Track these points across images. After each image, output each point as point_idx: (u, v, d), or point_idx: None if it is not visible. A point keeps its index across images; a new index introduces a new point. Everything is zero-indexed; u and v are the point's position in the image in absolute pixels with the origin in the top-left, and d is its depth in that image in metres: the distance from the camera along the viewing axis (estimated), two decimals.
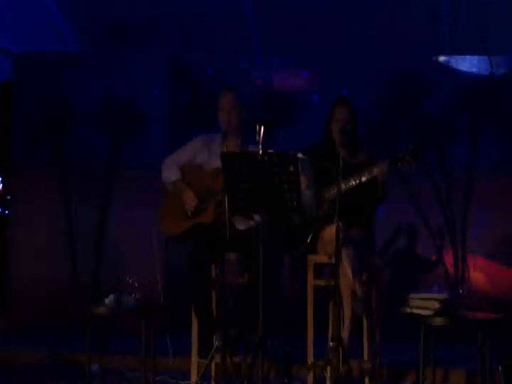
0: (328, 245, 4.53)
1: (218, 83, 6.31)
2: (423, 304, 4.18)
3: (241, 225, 4.78)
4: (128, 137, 6.86)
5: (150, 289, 4.69)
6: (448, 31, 6.39)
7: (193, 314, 4.79)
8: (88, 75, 6.84)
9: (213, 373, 4.80)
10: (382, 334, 4.64)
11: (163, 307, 4.67)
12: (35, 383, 5.10)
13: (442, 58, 6.62)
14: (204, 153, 4.95)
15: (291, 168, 3.99)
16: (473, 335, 4.21)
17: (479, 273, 6.49)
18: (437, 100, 6.55)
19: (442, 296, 4.16)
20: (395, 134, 6.49)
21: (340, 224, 4.23)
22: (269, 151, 4.06)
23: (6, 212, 7.49)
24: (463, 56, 6.58)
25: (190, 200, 4.84)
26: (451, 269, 6.52)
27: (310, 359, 4.65)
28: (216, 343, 4.51)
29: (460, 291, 4.37)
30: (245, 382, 4.18)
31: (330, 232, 4.45)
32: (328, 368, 4.24)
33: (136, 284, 4.49)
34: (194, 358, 4.81)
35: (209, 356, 4.56)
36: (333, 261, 4.28)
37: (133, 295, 4.48)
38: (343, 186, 4.49)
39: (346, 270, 4.46)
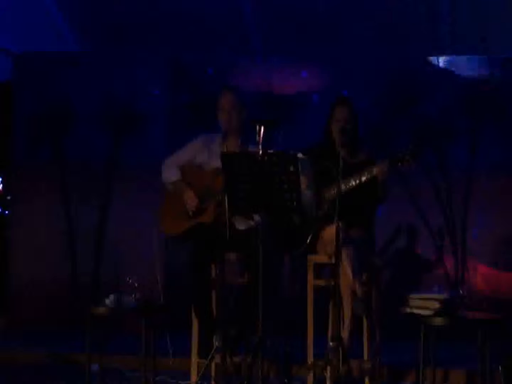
0: (328, 245, 4.53)
1: (218, 83, 6.31)
2: (423, 304, 4.18)
3: (241, 225, 4.78)
4: (128, 137, 6.87)
5: (150, 289, 4.69)
6: (448, 31, 6.38)
7: (193, 314, 4.79)
8: (88, 75, 6.84)
9: (213, 373, 4.81)
10: (382, 334, 4.64)
11: (163, 307, 4.67)
12: (35, 383, 5.10)
13: (442, 58, 6.63)
14: (204, 153, 4.95)
15: (291, 168, 3.99)
16: (473, 335, 4.21)
17: (479, 279, 6.49)
18: (437, 100, 6.56)
19: (442, 296, 4.17)
20: (395, 134, 6.49)
21: (340, 224, 4.23)
22: (269, 151, 4.06)
23: (6, 212, 7.50)
24: (463, 56, 6.59)
25: (190, 200, 4.84)
26: (451, 269, 6.53)
27: (310, 359, 4.65)
28: (216, 343, 4.51)
29: (460, 291, 4.37)
30: (245, 382, 4.18)
31: (330, 232, 4.45)
32: (328, 368, 4.24)
33: (136, 284, 4.49)
34: (194, 358, 4.81)
35: (209, 356, 4.57)
36: (333, 261, 4.28)
37: (133, 295, 4.47)
38: (343, 186, 4.49)
39: (346, 270, 4.46)
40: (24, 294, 6.83)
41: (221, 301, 4.67)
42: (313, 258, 4.72)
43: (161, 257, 5.73)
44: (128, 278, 4.52)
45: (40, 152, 6.97)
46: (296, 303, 4.69)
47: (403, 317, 4.27)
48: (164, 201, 5.02)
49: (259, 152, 4.06)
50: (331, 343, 4.19)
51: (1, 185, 7.74)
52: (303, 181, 4.14)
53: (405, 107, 6.56)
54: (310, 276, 4.72)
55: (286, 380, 4.43)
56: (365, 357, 4.66)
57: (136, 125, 6.83)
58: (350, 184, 4.63)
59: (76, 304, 6.41)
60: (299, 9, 6.31)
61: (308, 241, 4.46)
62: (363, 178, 4.62)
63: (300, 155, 4.11)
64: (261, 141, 4.13)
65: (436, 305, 4.14)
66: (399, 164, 4.53)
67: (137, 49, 6.76)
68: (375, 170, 4.60)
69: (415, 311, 4.21)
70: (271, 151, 4.06)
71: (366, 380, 4.63)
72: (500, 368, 4.35)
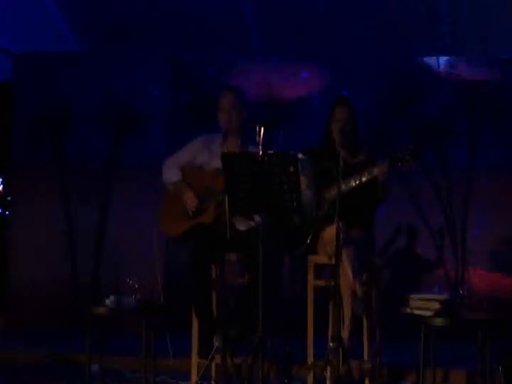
0: (328, 246, 4.53)
1: (218, 83, 6.32)
2: (424, 304, 4.18)
3: (241, 226, 4.78)
4: (128, 137, 6.87)
5: (151, 290, 4.69)
6: (448, 31, 6.38)
7: (193, 315, 4.79)
8: (88, 75, 6.84)
9: (213, 374, 4.81)
10: (382, 334, 4.64)
11: (163, 308, 4.66)
12: (35, 383, 5.10)
13: (442, 58, 6.63)
14: (205, 154, 4.95)
15: (291, 169, 3.99)
16: (473, 335, 4.21)
17: (479, 279, 6.50)
18: (437, 100, 6.55)
19: (442, 296, 4.17)
20: (395, 134, 6.49)
21: (340, 224, 4.23)
22: (269, 151, 4.06)
23: (7, 213, 7.49)
24: (463, 56, 6.59)
25: (190, 200, 4.84)
26: (451, 269, 6.52)
27: (310, 359, 4.65)
28: (216, 343, 4.51)
29: (460, 291, 4.38)
30: (245, 383, 4.19)
31: (330, 232, 4.45)
32: (328, 368, 4.25)
33: (136, 285, 4.48)
34: (194, 359, 4.81)
35: (209, 357, 4.56)
36: (333, 261, 4.28)
37: (133, 296, 4.47)
38: (343, 187, 4.49)
39: (346, 270, 4.46)
40: (24, 294, 6.82)
41: (221, 302, 4.67)
42: (313, 259, 4.72)
43: (161, 258, 5.72)
44: (128, 279, 4.52)
45: (40, 152, 6.97)
46: (296, 303, 4.69)
47: (403, 317, 4.27)
48: (164, 201, 5.02)
49: (259, 152, 4.07)
50: (331, 343, 4.19)
51: (1, 186, 7.74)
52: (303, 181, 4.14)
53: (405, 107, 6.56)
54: (310, 276, 4.72)
55: (286, 380, 4.43)
56: (365, 357, 4.66)
57: (136, 125, 6.83)
58: (350, 185, 4.63)
59: (76, 304, 6.41)
60: (299, 9, 6.31)
61: (308, 241, 4.46)
62: (363, 179, 4.62)
63: (300, 155, 4.12)
64: (261, 141, 4.13)
65: (436, 305, 4.14)
66: (399, 164, 4.53)
67: (137, 49, 6.76)
68: (375, 171, 4.60)
69: (416, 311, 4.21)
70: (271, 151, 4.06)
71: (366, 380, 4.64)
72: (500, 368, 4.35)
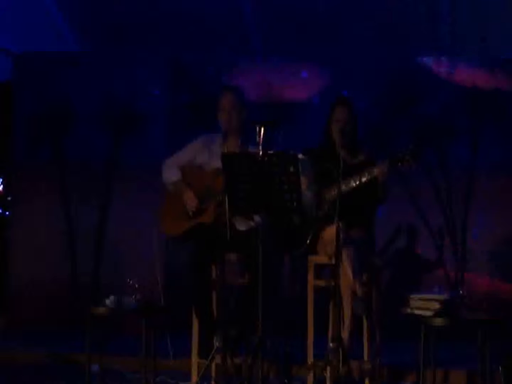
0: (328, 246, 4.53)
1: (218, 83, 6.32)
2: (424, 304, 4.18)
3: (241, 226, 4.77)
4: (128, 137, 6.87)
5: (151, 290, 4.69)
6: (448, 31, 6.38)
7: (194, 315, 4.79)
8: (88, 75, 6.84)
9: (213, 374, 4.80)
10: (382, 335, 4.64)
11: (163, 308, 4.67)
12: (35, 383, 5.10)
13: (442, 58, 6.63)
14: (205, 154, 4.95)
15: (291, 169, 3.99)
16: (473, 335, 4.21)
17: (479, 279, 6.50)
18: (437, 100, 6.55)
19: (442, 297, 4.17)
20: (395, 134, 6.49)
21: (340, 224, 4.23)
22: (269, 151, 4.06)
23: (7, 213, 7.49)
24: (463, 56, 6.60)
25: (190, 200, 4.84)
26: (451, 269, 6.52)
27: (310, 359, 4.65)
28: (216, 343, 4.51)
29: (460, 291, 4.37)
30: (245, 383, 4.19)
31: (330, 232, 4.45)
32: (328, 368, 4.25)
33: (136, 286, 4.48)
34: (195, 359, 4.81)
35: (210, 357, 4.56)
36: (333, 261, 4.28)
37: (133, 296, 4.47)
38: (343, 187, 4.48)
39: (346, 270, 4.46)
40: (24, 294, 6.83)
41: (221, 302, 4.67)
42: (313, 259, 4.72)
43: (161, 258, 5.72)
44: (128, 280, 4.52)
45: (40, 152, 6.97)
46: (296, 304, 4.69)
47: (403, 317, 4.27)
48: (164, 201, 5.02)
49: (259, 152, 4.06)
50: (331, 344, 4.19)
51: (1, 185, 7.74)
52: (303, 181, 4.14)
53: (405, 107, 6.56)
54: (310, 277, 4.71)
55: (286, 381, 4.43)
56: (365, 357, 4.66)
57: (136, 125, 6.83)
58: (350, 185, 4.62)
59: (76, 304, 6.41)
60: (299, 9, 6.31)
61: (308, 241, 4.47)
62: (363, 179, 4.61)
63: (300, 155, 4.12)
64: (261, 141, 4.13)
65: (436, 305, 4.14)
66: (399, 164, 4.52)
67: (137, 49, 6.76)
68: (375, 171, 4.59)
69: (416, 311, 4.21)
70: (271, 151, 4.06)
71: (366, 380, 4.63)
72: (500, 368, 4.35)
